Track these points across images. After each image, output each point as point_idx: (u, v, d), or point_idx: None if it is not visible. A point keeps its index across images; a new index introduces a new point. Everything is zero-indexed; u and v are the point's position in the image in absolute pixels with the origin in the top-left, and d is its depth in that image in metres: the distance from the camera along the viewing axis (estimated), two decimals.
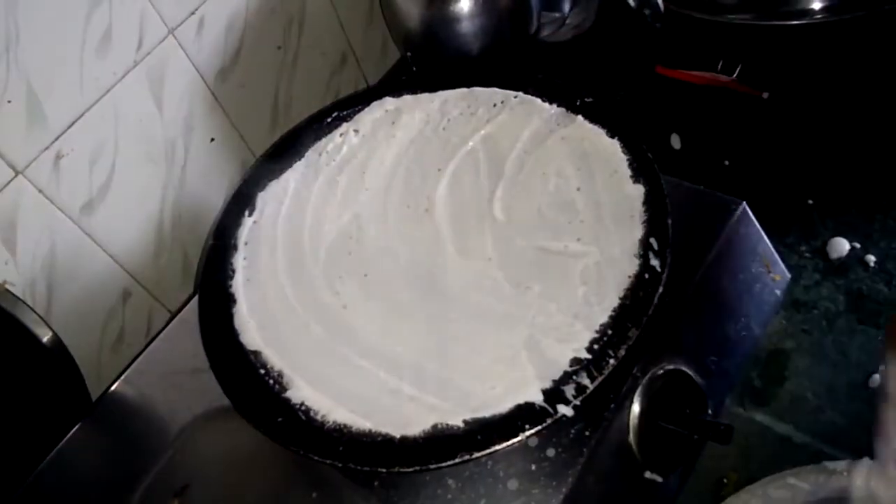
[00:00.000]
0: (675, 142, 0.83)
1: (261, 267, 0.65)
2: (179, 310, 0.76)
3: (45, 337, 0.66)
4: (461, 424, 0.50)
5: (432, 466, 0.49)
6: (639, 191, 0.60)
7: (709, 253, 0.60)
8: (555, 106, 0.68)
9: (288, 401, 0.55)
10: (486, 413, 0.51)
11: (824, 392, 0.69)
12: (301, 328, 0.60)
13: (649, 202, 0.59)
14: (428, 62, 0.85)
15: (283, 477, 0.60)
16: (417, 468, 0.49)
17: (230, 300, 0.62)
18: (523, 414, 0.50)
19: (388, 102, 0.73)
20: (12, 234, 0.64)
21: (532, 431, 0.49)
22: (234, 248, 0.66)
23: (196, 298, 0.64)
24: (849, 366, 0.69)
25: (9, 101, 0.60)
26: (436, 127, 0.71)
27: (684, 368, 0.58)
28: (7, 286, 0.64)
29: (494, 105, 0.70)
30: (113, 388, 0.70)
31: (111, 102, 0.67)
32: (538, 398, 0.50)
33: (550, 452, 0.53)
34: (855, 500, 0.55)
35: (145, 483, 0.63)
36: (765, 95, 0.81)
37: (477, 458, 0.49)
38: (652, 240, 0.56)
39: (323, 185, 0.70)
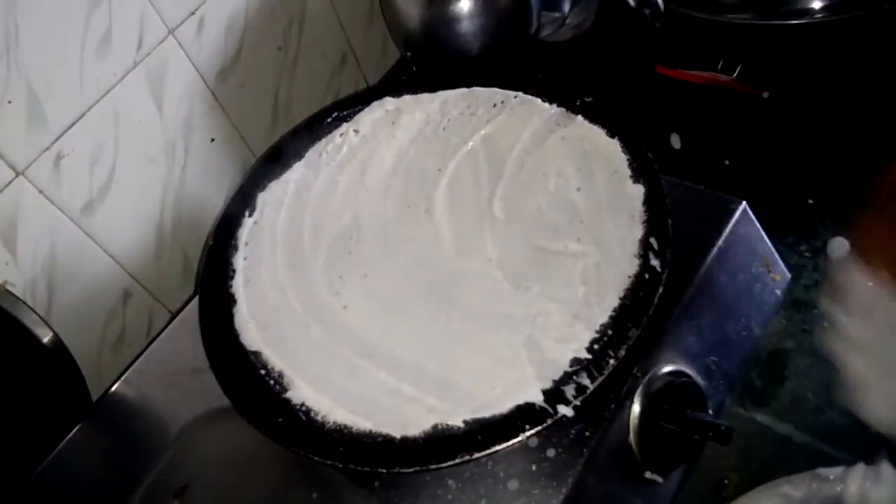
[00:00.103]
0: (675, 142, 0.83)
1: (261, 267, 0.65)
2: (180, 310, 0.76)
3: (46, 337, 0.66)
4: (461, 425, 0.50)
5: (432, 467, 0.49)
6: (639, 191, 0.60)
7: (709, 253, 0.60)
8: (555, 106, 0.68)
9: (288, 401, 0.55)
10: (487, 413, 0.51)
11: (824, 392, 0.69)
12: (301, 328, 0.60)
13: (649, 202, 0.59)
14: (428, 62, 0.85)
15: (283, 477, 0.60)
16: (418, 469, 0.49)
17: (230, 300, 0.62)
18: (523, 414, 0.50)
19: (389, 102, 0.73)
20: (13, 234, 0.64)
21: (532, 432, 0.49)
22: (235, 248, 0.66)
23: (196, 299, 0.64)
24: None
25: (9, 102, 0.60)
26: (436, 127, 0.71)
27: (684, 368, 0.58)
28: (7, 286, 0.64)
29: (494, 105, 0.70)
30: (113, 388, 0.70)
31: (111, 103, 0.67)
32: (538, 398, 0.50)
33: (551, 453, 0.53)
34: None
35: (146, 483, 0.63)
36: (765, 95, 0.81)
37: (477, 458, 0.49)
38: (652, 240, 0.56)
39: (323, 185, 0.70)
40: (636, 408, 0.55)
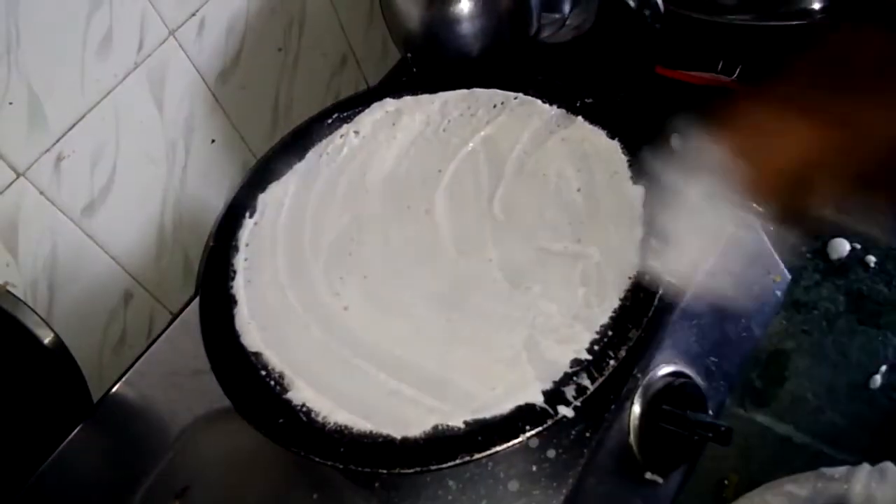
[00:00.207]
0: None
1: (262, 268, 0.65)
2: (181, 311, 0.76)
3: (47, 338, 0.66)
4: (462, 425, 0.51)
5: (433, 467, 0.49)
6: (639, 191, 0.60)
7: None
8: (555, 107, 0.68)
9: (289, 402, 0.55)
10: (487, 414, 0.51)
11: (824, 392, 0.69)
12: (302, 329, 0.60)
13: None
14: (428, 63, 0.85)
15: (283, 478, 0.60)
16: (418, 469, 0.49)
17: (231, 301, 0.62)
18: (524, 415, 0.50)
19: (389, 104, 0.73)
20: (14, 235, 0.64)
21: (532, 432, 0.49)
22: (235, 249, 0.66)
23: (197, 300, 0.64)
24: (849, 366, 0.69)
25: (10, 103, 0.60)
26: (436, 128, 0.71)
27: (684, 369, 0.58)
28: (8, 287, 0.64)
29: (494, 106, 0.71)
30: (114, 389, 0.70)
31: (112, 104, 0.67)
32: (539, 399, 0.50)
33: (551, 453, 0.53)
34: None
35: (146, 484, 0.63)
36: None
37: (477, 459, 0.49)
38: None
39: (323, 186, 0.70)
40: (636, 408, 0.55)
